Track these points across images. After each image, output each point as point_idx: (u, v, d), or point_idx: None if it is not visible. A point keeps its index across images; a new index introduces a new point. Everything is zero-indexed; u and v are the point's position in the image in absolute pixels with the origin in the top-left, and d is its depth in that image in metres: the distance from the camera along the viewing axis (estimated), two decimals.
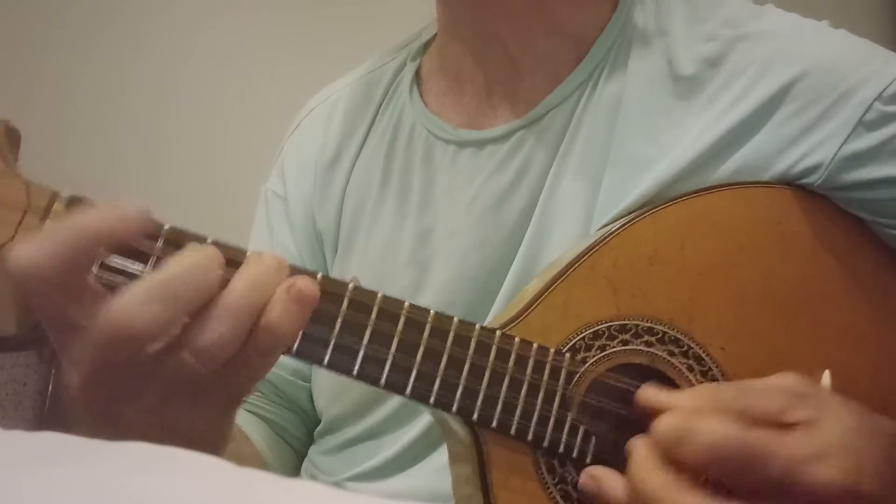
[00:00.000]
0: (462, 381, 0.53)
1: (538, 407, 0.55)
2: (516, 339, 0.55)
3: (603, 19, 0.70)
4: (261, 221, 0.81)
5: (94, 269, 0.45)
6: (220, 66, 1.80)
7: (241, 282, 0.45)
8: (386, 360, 0.51)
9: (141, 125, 1.74)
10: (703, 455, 0.48)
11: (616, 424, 0.57)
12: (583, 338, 0.57)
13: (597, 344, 0.57)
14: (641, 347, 0.58)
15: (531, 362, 0.55)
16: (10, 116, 0.48)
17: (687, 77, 0.66)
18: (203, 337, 0.44)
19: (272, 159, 0.85)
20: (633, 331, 0.58)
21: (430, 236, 0.70)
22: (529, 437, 0.54)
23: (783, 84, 0.64)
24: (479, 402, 0.53)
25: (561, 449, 0.55)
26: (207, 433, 0.48)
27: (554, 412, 0.55)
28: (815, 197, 0.64)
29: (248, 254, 0.47)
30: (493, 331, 0.55)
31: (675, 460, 0.48)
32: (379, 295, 0.52)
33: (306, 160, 0.78)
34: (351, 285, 0.51)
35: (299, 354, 0.50)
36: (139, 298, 0.43)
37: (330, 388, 0.74)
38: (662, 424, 0.49)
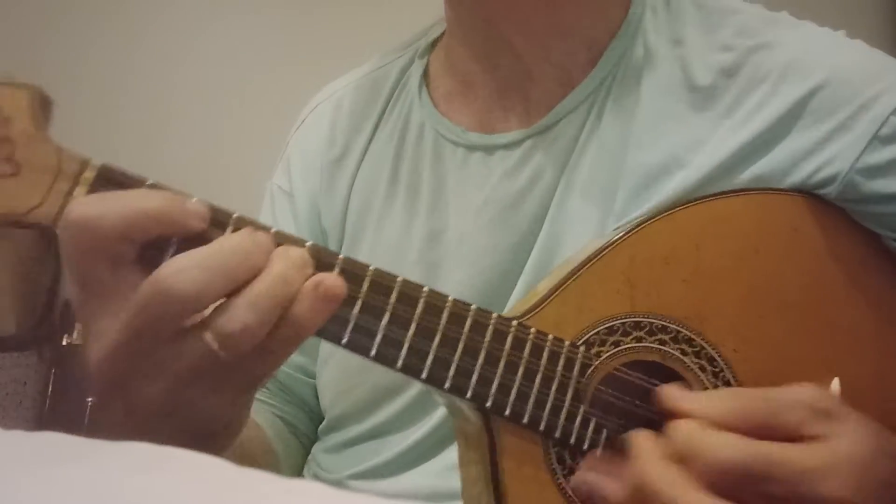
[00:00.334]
0: (477, 368, 0.53)
1: (551, 397, 0.55)
2: (532, 329, 0.55)
3: (614, 24, 0.69)
4: (266, 216, 0.81)
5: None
6: (220, 65, 1.80)
7: (271, 276, 0.45)
8: (403, 342, 0.52)
9: (141, 125, 1.74)
10: (706, 473, 0.49)
11: (627, 418, 0.57)
12: (597, 332, 0.57)
13: (611, 339, 0.58)
14: (655, 345, 0.58)
15: (546, 352, 0.55)
16: None
17: (703, 87, 0.66)
18: (230, 323, 0.44)
19: (273, 157, 0.85)
20: (647, 328, 0.58)
21: (441, 237, 0.70)
22: (542, 426, 0.55)
23: (800, 96, 0.64)
24: (493, 390, 0.54)
25: (572, 440, 0.56)
26: (222, 416, 0.49)
27: (567, 403, 0.55)
28: (831, 207, 0.65)
29: (276, 249, 0.47)
30: (509, 320, 0.55)
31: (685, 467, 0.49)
32: (399, 278, 0.52)
33: (312, 156, 0.78)
34: (372, 267, 0.52)
35: (319, 332, 0.50)
36: (192, 262, 0.43)
37: (336, 385, 0.74)
38: (676, 433, 0.51)
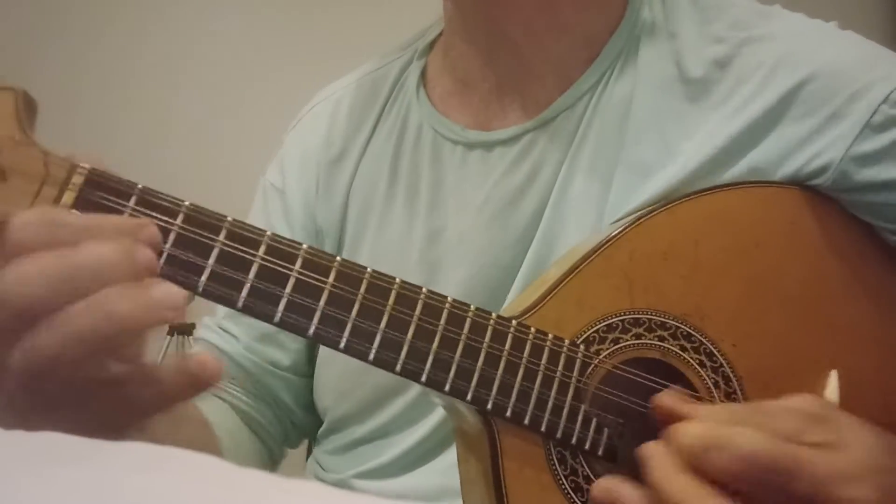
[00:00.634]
0: (477, 370, 0.53)
1: (552, 397, 0.55)
2: (532, 329, 0.55)
3: (613, 22, 0.70)
4: (257, 213, 0.80)
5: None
6: (220, 66, 1.79)
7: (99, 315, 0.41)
8: (402, 345, 0.51)
9: (141, 125, 1.73)
10: (733, 464, 0.47)
11: (628, 417, 0.57)
12: (597, 330, 0.57)
13: (610, 337, 0.57)
14: (654, 342, 0.58)
15: (546, 352, 0.55)
16: None
17: (696, 79, 0.66)
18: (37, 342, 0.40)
19: (273, 157, 0.84)
20: (647, 325, 0.58)
21: (440, 236, 0.70)
22: (543, 427, 0.54)
23: (791, 87, 0.64)
24: (493, 391, 0.53)
25: (573, 440, 0.55)
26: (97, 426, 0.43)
27: (567, 403, 0.55)
28: (827, 199, 0.65)
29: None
30: (509, 319, 0.54)
31: (700, 469, 0.48)
32: (397, 280, 0.51)
33: (309, 155, 0.78)
34: (369, 270, 0.51)
35: (317, 337, 0.49)
36: (35, 272, 0.40)
37: (336, 387, 0.73)
38: (689, 432, 0.49)
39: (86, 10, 1.75)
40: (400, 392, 0.69)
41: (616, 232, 0.60)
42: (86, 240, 0.41)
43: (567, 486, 0.55)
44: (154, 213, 0.47)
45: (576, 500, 0.55)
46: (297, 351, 0.76)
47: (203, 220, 0.47)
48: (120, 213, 0.46)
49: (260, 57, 1.77)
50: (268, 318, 0.48)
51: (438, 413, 0.67)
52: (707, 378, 0.58)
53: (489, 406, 0.53)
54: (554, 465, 0.55)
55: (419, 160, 0.72)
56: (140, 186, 0.47)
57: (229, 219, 0.48)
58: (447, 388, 0.52)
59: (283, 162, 0.80)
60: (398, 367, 0.51)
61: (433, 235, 0.70)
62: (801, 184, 0.64)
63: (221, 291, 0.48)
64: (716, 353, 0.59)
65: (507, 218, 0.68)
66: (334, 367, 0.73)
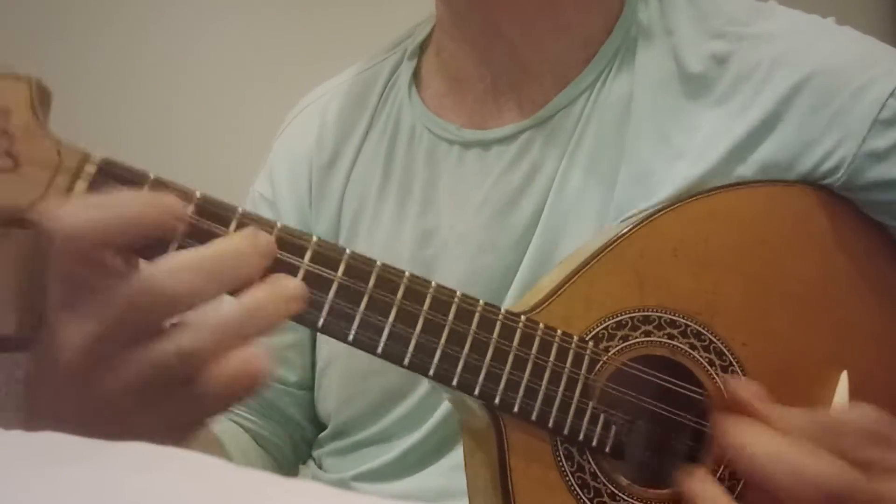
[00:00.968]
0: (486, 365, 0.53)
1: (560, 393, 0.54)
2: (541, 325, 0.55)
3: (610, 22, 0.69)
4: None
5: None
6: (220, 66, 1.79)
7: (246, 312, 0.44)
8: (410, 339, 0.51)
9: (141, 125, 1.73)
10: (808, 498, 0.47)
11: (637, 415, 0.57)
12: (606, 327, 0.57)
13: (619, 334, 0.57)
14: (663, 339, 0.58)
15: (555, 348, 0.55)
16: None
17: (695, 75, 0.66)
18: (190, 343, 0.42)
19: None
20: (656, 322, 0.58)
21: (434, 236, 0.69)
22: (550, 423, 0.54)
23: (794, 84, 0.63)
24: (501, 386, 0.53)
25: (581, 437, 0.55)
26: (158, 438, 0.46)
27: (575, 399, 0.55)
28: (838, 198, 0.64)
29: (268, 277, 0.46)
30: (518, 315, 0.54)
31: (766, 490, 0.48)
32: (406, 273, 0.51)
33: (299, 161, 0.77)
34: (379, 262, 0.51)
35: (325, 330, 0.49)
36: (183, 263, 0.42)
37: (339, 392, 0.72)
38: (760, 447, 0.50)
39: (86, 10, 1.76)
40: (404, 395, 0.69)
41: (626, 230, 0.60)
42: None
43: (574, 483, 0.55)
44: None
45: (582, 496, 0.55)
46: (303, 367, 0.76)
47: (213, 211, 0.47)
48: None
49: (260, 57, 1.77)
50: None
51: (441, 415, 0.67)
52: (716, 377, 0.58)
53: (497, 401, 0.53)
54: (561, 461, 0.55)
55: (413, 160, 0.71)
56: (153, 177, 0.47)
57: (240, 209, 0.48)
58: (455, 382, 0.52)
59: (272, 171, 0.79)
60: (406, 361, 0.51)
61: (426, 235, 0.69)
62: (811, 183, 0.64)
63: None
64: (725, 351, 0.59)
65: (506, 217, 0.67)
66: (335, 373, 0.72)
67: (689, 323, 0.58)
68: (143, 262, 0.45)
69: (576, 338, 0.55)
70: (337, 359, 0.72)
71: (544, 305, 0.57)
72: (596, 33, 0.69)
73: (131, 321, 0.42)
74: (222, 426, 0.73)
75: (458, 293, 0.53)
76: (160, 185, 0.47)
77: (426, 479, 0.67)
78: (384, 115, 0.75)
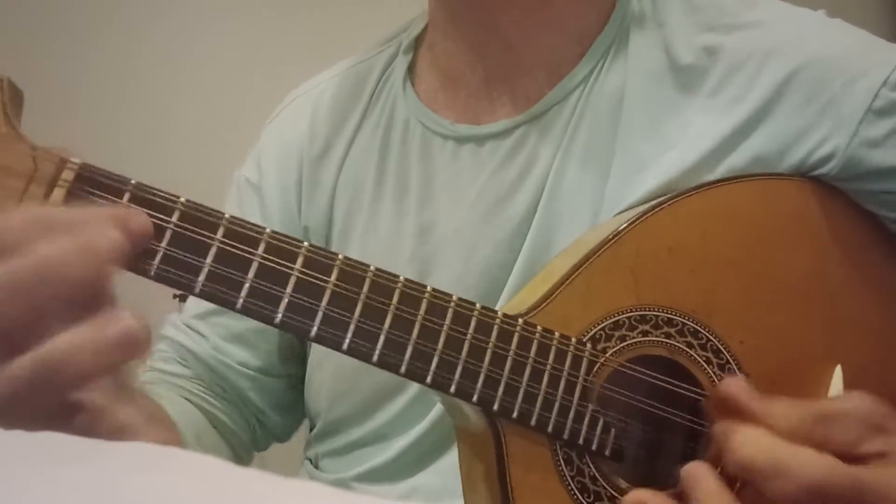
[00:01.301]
0: (483, 370, 0.51)
1: (559, 397, 0.53)
2: (538, 328, 0.53)
3: (603, 16, 0.69)
4: (232, 208, 0.76)
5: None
6: (220, 66, 1.77)
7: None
8: (407, 345, 0.49)
9: (141, 125, 1.71)
10: (799, 496, 0.47)
11: (635, 416, 0.56)
12: (603, 328, 0.56)
13: (617, 334, 0.56)
14: (661, 339, 0.57)
15: (553, 351, 0.53)
16: None
17: (686, 66, 0.65)
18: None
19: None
20: (653, 321, 0.57)
21: (432, 232, 0.68)
22: (549, 428, 0.53)
23: (786, 75, 0.63)
24: (500, 392, 0.52)
25: (580, 440, 0.54)
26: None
27: (574, 403, 0.54)
28: (832, 190, 0.64)
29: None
30: (515, 318, 0.53)
31: (759, 492, 0.48)
32: (401, 278, 0.50)
33: (290, 150, 0.76)
34: (373, 267, 0.49)
35: (319, 339, 0.48)
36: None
37: (331, 389, 0.71)
38: (748, 447, 0.49)
39: (86, 10, 1.72)
40: (398, 392, 0.67)
41: (621, 228, 0.58)
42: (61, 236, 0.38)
43: (574, 488, 0.54)
44: (149, 211, 0.44)
45: (582, 501, 0.54)
46: (268, 352, 0.74)
47: (200, 218, 0.45)
48: None
49: (259, 57, 1.76)
50: (268, 320, 0.47)
51: (436, 413, 0.66)
52: (714, 376, 0.57)
53: (495, 407, 0.52)
54: (560, 466, 0.54)
55: (408, 155, 0.71)
56: (134, 182, 0.45)
57: (227, 216, 0.46)
58: (453, 389, 0.51)
59: (260, 156, 0.78)
60: (403, 369, 0.49)
61: (424, 231, 0.68)
62: (804, 175, 0.63)
63: (220, 292, 0.46)
64: (723, 350, 0.58)
65: (501, 212, 0.67)
66: (328, 368, 0.71)
67: (686, 321, 0.57)
68: None
69: (573, 340, 0.54)
70: (331, 354, 0.70)
71: (541, 307, 0.55)
72: (589, 27, 0.69)
73: None
74: (178, 406, 0.70)
75: (454, 297, 0.51)
76: (142, 190, 0.45)
77: (427, 479, 0.67)
78: (378, 108, 0.74)
